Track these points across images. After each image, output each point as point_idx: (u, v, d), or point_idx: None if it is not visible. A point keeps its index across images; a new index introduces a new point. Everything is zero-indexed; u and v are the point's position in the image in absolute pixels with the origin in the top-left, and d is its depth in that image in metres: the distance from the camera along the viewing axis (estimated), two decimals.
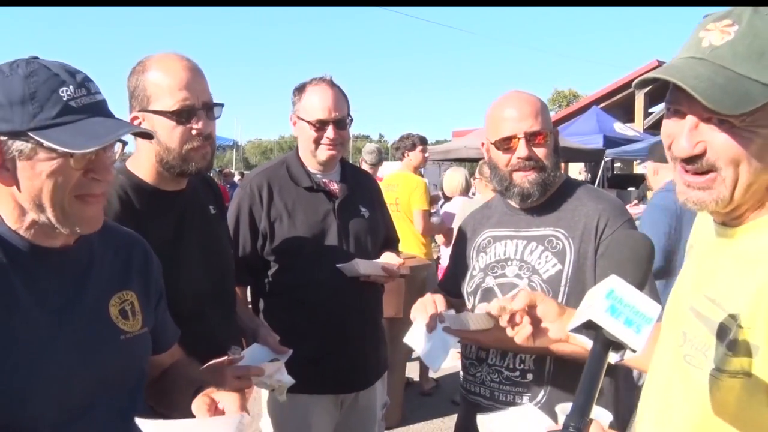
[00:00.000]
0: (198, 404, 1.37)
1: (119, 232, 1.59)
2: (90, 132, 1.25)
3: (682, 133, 1.09)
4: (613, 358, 0.99)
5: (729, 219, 1.15)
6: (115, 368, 1.41)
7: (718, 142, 1.05)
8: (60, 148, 1.22)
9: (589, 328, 0.99)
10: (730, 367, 1.03)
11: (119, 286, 1.48)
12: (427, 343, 1.82)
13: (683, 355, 1.16)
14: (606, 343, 0.98)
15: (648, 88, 1.28)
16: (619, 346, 0.98)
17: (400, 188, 5.85)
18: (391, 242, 2.95)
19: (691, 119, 1.08)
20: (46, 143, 1.22)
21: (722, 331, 1.06)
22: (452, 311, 1.94)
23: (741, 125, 1.02)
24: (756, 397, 1.01)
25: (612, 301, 0.97)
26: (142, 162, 1.94)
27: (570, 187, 2.09)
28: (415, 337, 1.84)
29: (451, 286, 2.28)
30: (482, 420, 1.78)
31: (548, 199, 2.04)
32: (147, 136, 1.50)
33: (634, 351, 0.97)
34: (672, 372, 1.22)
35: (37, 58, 1.30)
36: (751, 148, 1.03)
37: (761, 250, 1.07)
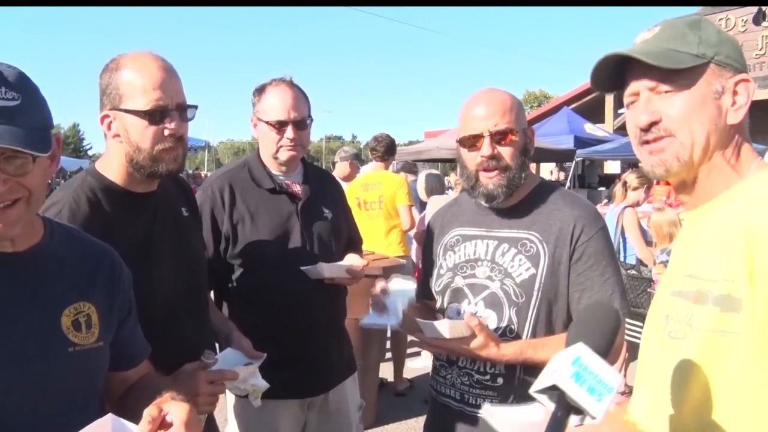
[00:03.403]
0: (146, 412, 1.31)
1: (88, 242, 1.55)
2: None
3: (640, 108, 1.29)
4: (572, 421, 1.03)
5: (698, 200, 1.29)
6: (60, 380, 1.36)
7: (669, 107, 1.25)
8: None
9: (553, 390, 1.02)
10: (720, 325, 1.11)
11: (77, 297, 1.43)
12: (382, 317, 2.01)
13: (667, 334, 1.24)
14: (568, 407, 1.01)
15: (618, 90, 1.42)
16: (579, 411, 1.01)
17: (383, 186, 5.88)
18: (353, 242, 2.93)
19: (644, 94, 1.29)
20: None
21: (701, 295, 1.17)
22: (429, 321, 1.93)
23: (680, 88, 1.24)
24: (747, 353, 1.08)
25: (578, 368, 1.00)
26: (111, 163, 1.90)
27: (544, 190, 2.06)
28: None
29: (426, 289, 2.25)
30: (489, 410, 1.79)
31: (521, 200, 2.02)
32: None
33: (594, 418, 0.99)
34: (660, 354, 1.27)
35: None
36: (693, 107, 1.24)
37: (725, 218, 1.20)
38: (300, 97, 2.58)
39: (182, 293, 2.01)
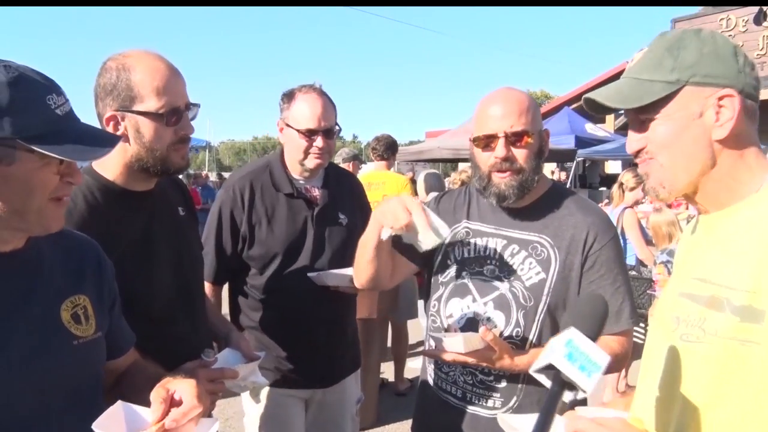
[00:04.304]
0: (154, 395, 1.35)
1: (70, 236, 1.55)
2: (84, 141, 1.27)
3: (630, 136, 1.37)
4: (567, 396, 1.19)
5: (710, 207, 1.31)
6: (67, 374, 1.38)
7: (650, 135, 1.31)
8: (64, 158, 1.24)
9: (550, 369, 1.19)
10: (739, 334, 1.13)
11: (71, 291, 1.45)
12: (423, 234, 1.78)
13: (679, 336, 1.24)
14: (562, 383, 1.18)
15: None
16: (572, 387, 1.18)
17: (387, 186, 5.87)
18: None
19: (632, 125, 1.36)
20: (50, 154, 1.21)
21: (716, 301, 1.18)
22: (442, 334, 1.92)
23: (658, 115, 1.29)
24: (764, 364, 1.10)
25: (570, 349, 1.17)
26: (109, 162, 1.88)
27: (558, 194, 2.04)
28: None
29: (405, 245, 2.10)
30: (503, 418, 1.79)
31: (534, 202, 2.00)
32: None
33: (585, 392, 1.17)
34: (666, 355, 1.28)
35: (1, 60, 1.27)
36: (673, 133, 1.28)
37: (745, 228, 1.21)
38: (329, 106, 2.62)
39: (180, 293, 2.02)
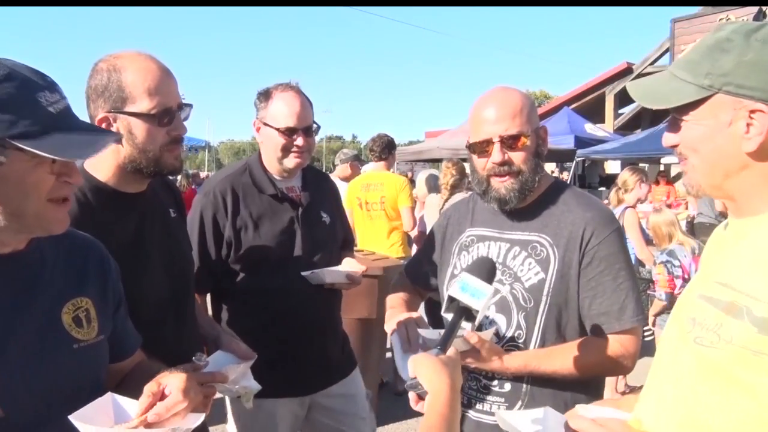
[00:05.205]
0: (145, 388, 1.36)
1: (73, 236, 1.53)
2: (76, 139, 1.24)
3: (666, 133, 1.36)
4: (467, 325, 1.58)
5: (743, 212, 1.29)
6: (68, 377, 1.37)
7: (684, 133, 1.30)
8: (56, 158, 1.21)
9: (452, 302, 1.56)
10: (753, 345, 1.11)
11: (73, 293, 1.43)
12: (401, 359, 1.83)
13: (693, 339, 1.22)
14: (461, 311, 1.54)
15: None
16: (469, 316, 1.55)
17: (386, 187, 5.87)
18: (347, 244, 3.00)
19: (670, 121, 1.35)
20: (39, 153, 1.18)
21: (735, 308, 1.16)
22: (430, 333, 1.91)
23: (690, 117, 1.28)
24: None
25: (462, 284, 1.55)
26: (101, 163, 1.87)
27: (557, 191, 2.00)
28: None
29: (418, 273, 2.26)
30: (501, 416, 1.80)
31: (533, 202, 1.97)
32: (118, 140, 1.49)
33: (477, 311, 1.53)
34: (677, 355, 1.27)
35: None
36: (701, 138, 1.26)
37: None
38: (307, 104, 2.59)
39: (171, 294, 2.01)
